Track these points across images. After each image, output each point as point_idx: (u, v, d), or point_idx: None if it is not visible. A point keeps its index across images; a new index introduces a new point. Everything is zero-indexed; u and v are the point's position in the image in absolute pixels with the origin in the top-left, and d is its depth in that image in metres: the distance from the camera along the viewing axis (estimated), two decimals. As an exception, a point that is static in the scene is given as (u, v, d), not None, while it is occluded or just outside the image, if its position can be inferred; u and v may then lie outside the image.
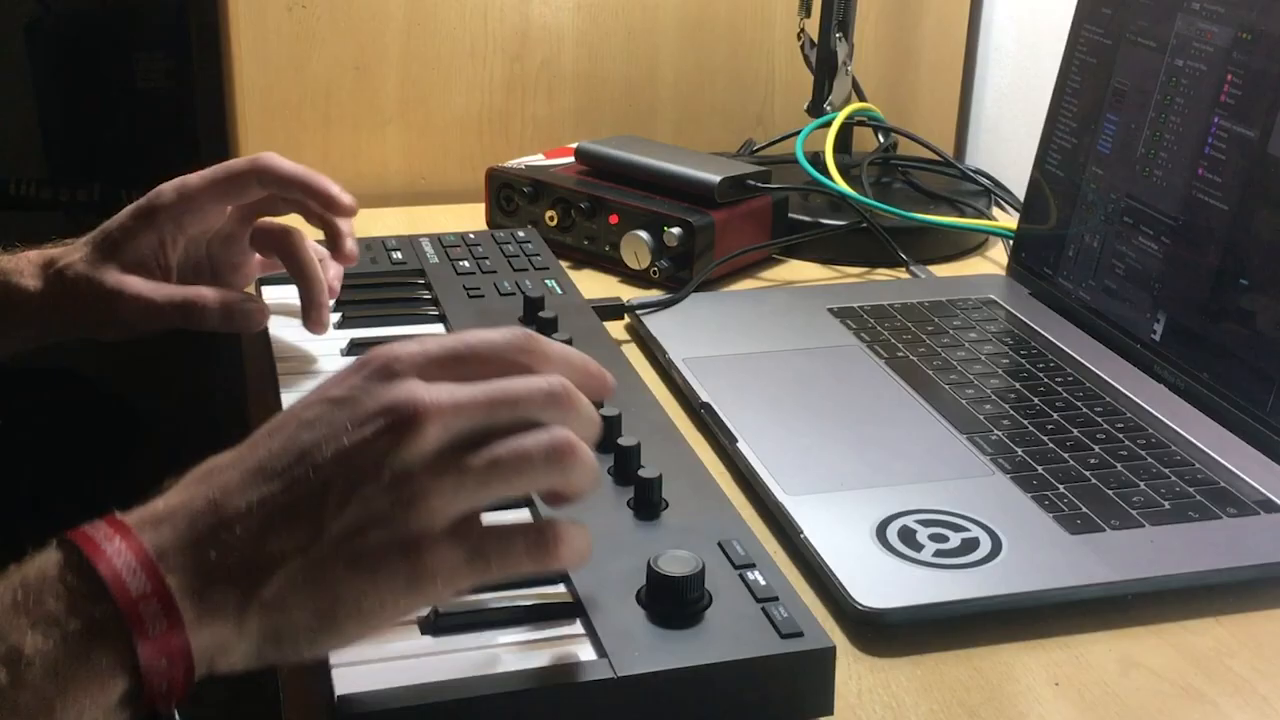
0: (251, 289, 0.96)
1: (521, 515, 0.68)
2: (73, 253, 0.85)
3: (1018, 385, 0.91)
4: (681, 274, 1.08)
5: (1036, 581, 0.69)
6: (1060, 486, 0.78)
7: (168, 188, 0.85)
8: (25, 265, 0.86)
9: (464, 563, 0.53)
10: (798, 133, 1.23)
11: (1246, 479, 0.79)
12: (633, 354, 0.97)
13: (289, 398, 0.83)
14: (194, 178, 0.85)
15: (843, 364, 0.94)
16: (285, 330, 0.91)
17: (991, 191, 1.29)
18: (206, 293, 0.85)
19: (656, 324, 0.99)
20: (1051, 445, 0.83)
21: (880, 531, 0.73)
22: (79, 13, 1.92)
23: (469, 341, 0.56)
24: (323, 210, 0.87)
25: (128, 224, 0.85)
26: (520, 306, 0.92)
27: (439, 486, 0.52)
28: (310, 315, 0.87)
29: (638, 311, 1.01)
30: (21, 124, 1.96)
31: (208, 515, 0.51)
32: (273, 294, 0.96)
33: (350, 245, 0.88)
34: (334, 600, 0.51)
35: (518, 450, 0.54)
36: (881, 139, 1.33)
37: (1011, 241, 1.13)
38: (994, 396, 0.89)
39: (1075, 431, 0.84)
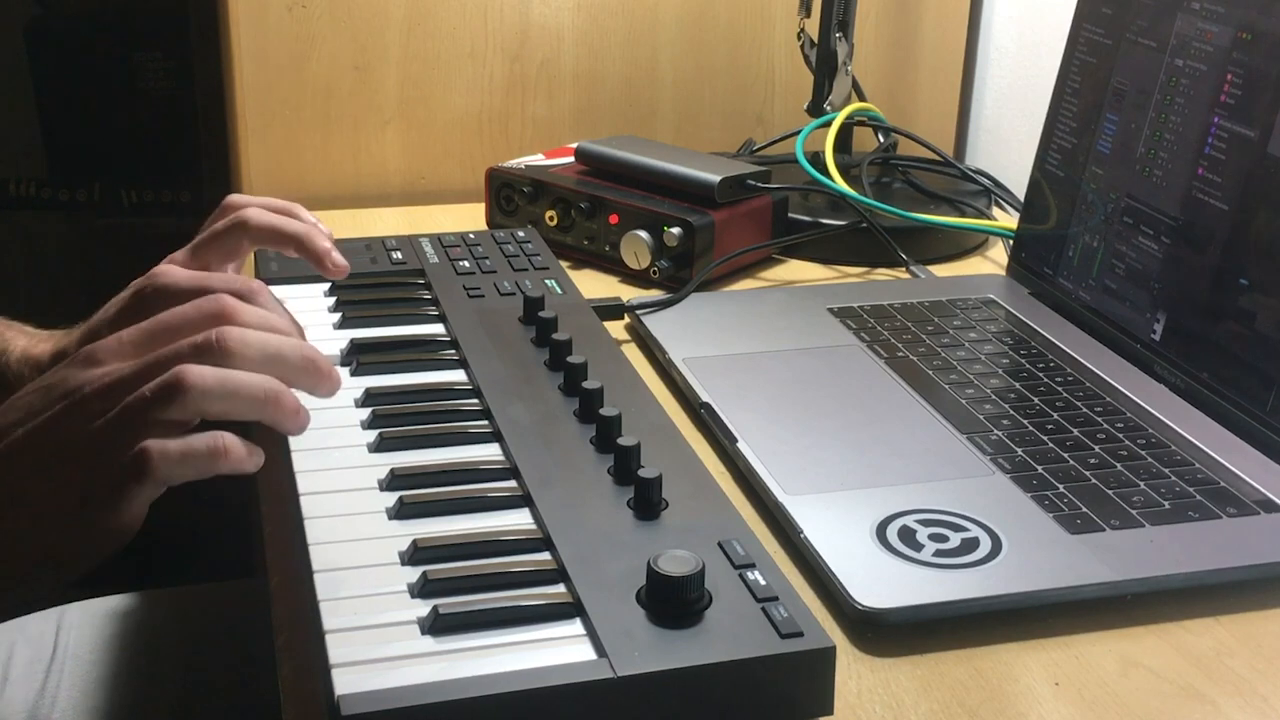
0: None
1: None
2: (69, 350, 0.83)
3: (1018, 385, 0.91)
4: (681, 274, 1.08)
5: (1036, 581, 0.69)
6: (1060, 486, 0.78)
7: (154, 282, 0.77)
8: (26, 366, 0.86)
9: (164, 465, 0.60)
10: (798, 133, 1.23)
11: (1246, 479, 0.79)
12: (633, 354, 0.97)
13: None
14: (181, 273, 0.76)
15: (843, 364, 0.94)
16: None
17: (991, 191, 1.29)
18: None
19: (656, 324, 0.99)
20: (1051, 445, 0.83)
21: (880, 531, 0.73)
22: (79, 13, 1.92)
23: (162, 320, 0.65)
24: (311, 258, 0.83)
25: (116, 322, 0.79)
26: (520, 306, 0.92)
27: (131, 410, 0.61)
28: (322, 262, 0.83)
29: (638, 311, 1.01)
30: (21, 124, 1.96)
31: None
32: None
33: (338, 259, 0.84)
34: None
35: (164, 355, 0.63)
36: (881, 139, 1.33)
37: (1011, 241, 1.13)
38: (994, 396, 0.89)
39: (1075, 431, 0.84)
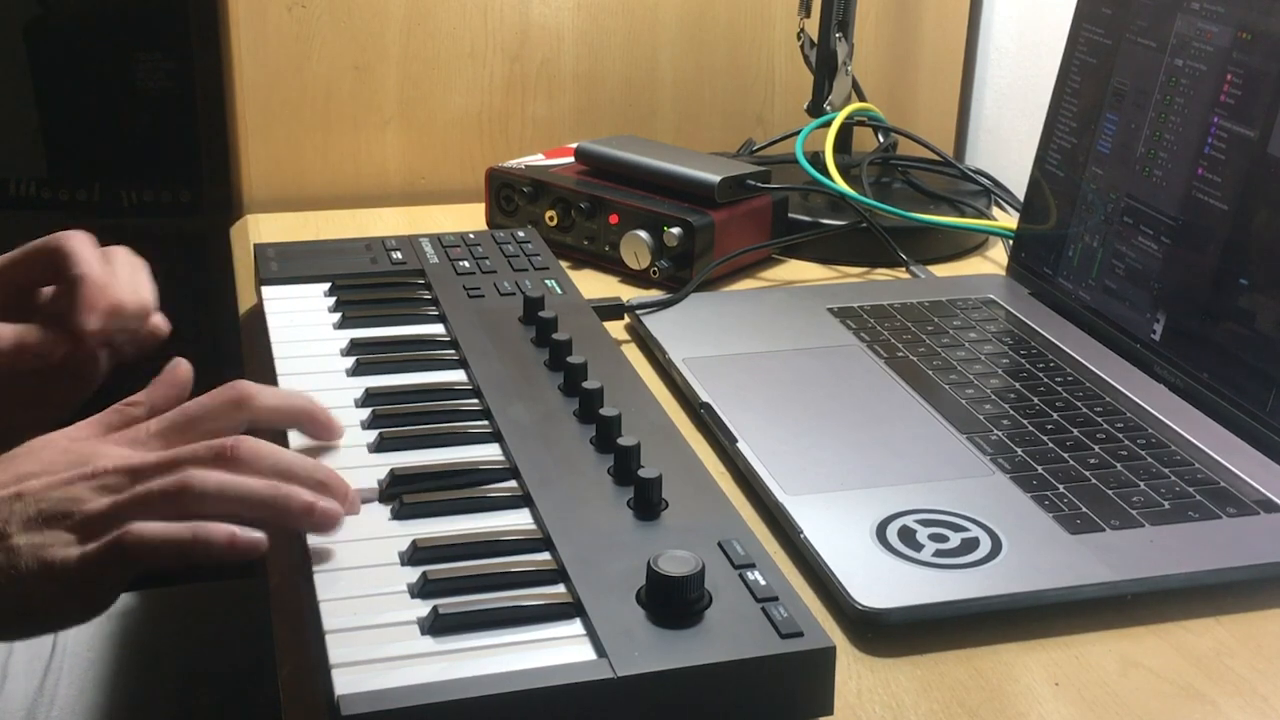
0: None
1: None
2: None
3: (1018, 385, 0.91)
4: (681, 274, 1.08)
5: (1036, 581, 0.69)
6: (1060, 486, 0.78)
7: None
8: None
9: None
10: (798, 133, 1.23)
11: (1246, 479, 0.79)
12: (633, 354, 0.97)
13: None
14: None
15: (843, 364, 0.94)
16: (285, 331, 0.91)
17: (991, 191, 1.29)
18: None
19: (656, 324, 0.99)
20: (1051, 445, 0.83)
21: (880, 531, 0.73)
22: (79, 13, 1.92)
23: (185, 409, 0.69)
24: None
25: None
26: (520, 306, 0.92)
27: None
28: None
29: (638, 311, 1.01)
30: (21, 124, 1.96)
31: None
32: (272, 293, 0.97)
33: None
34: None
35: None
36: (881, 139, 1.33)
37: (1011, 241, 1.13)
38: (994, 396, 0.89)
39: (1075, 431, 0.84)
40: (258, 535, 0.63)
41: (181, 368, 0.74)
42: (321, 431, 0.75)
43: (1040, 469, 0.80)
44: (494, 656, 0.58)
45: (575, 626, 0.60)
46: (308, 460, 0.68)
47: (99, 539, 0.62)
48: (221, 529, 0.62)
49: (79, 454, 0.66)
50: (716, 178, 1.11)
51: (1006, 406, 0.88)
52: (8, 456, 0.67)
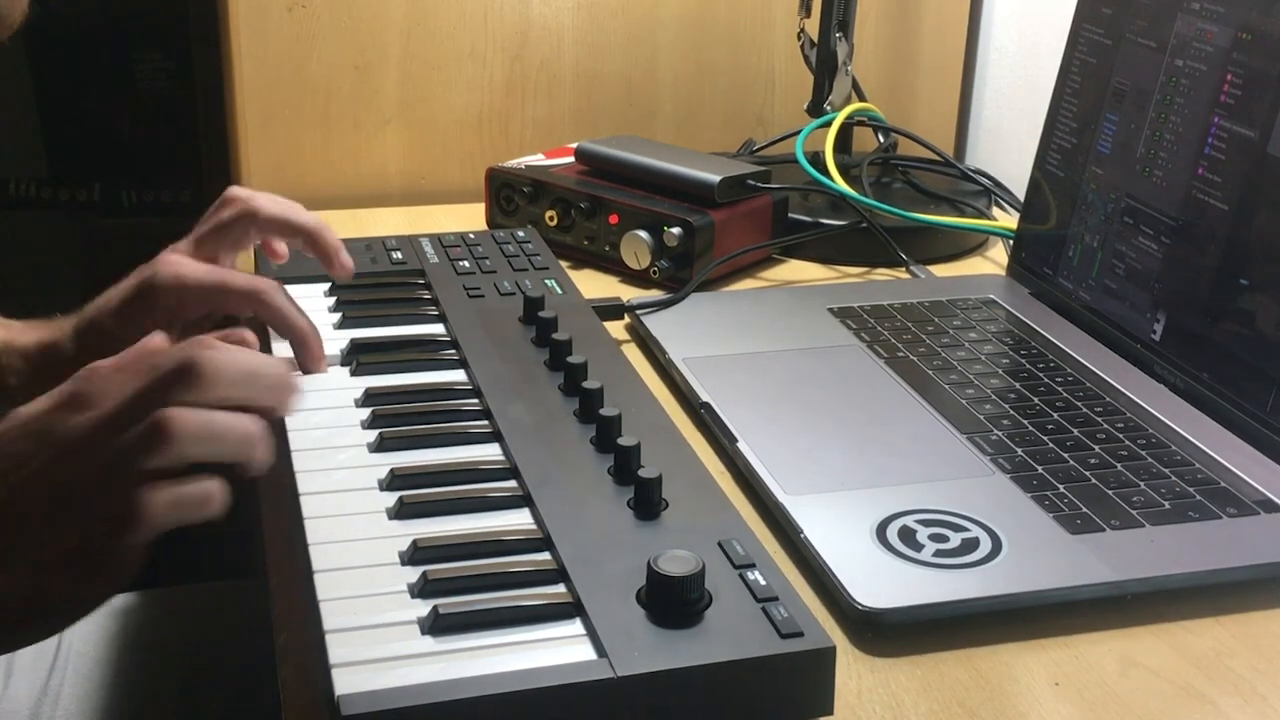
0: None
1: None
2: (62, 341, 0.83)
3: (1018, 385, 0.91)
4: (681, 274, 1.08)
5: (1036, 581, 0.69)
6: (1060, 486, 0.78)
7: (165, 271, 0.77)
8: (11, 356, 0.84)
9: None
10: (798, 133, 1.23)
11: (1246, 479, 0.79)
12: (633, 354, 0.97)
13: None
14: (193, 273, 0.76)
15: (843, 364, 0.94)
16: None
17: (991, 191, 1.29)
18: None
19: (656, 324, 0.99)
20: (1051, 445, 0.83)
21: (880, 531, 0.73)
22: (79, 13, 1.92)
23: (142, 349, 0.64)
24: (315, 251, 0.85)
25: (121, 311, 0.80)
26: (520, 306, 0.92)
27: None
28: (331, 259, 0.85)
29: (638, 311, 1.01)
30: (21, 124, 1.96)
31: None
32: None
33: (346, 259, 0.86)
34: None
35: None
36: (881, 139, 1.33)
37: (1011, 241, 1.13)
38: (994, 396, 0.89)
39: (1075, 431, 0.84)
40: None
41: (249, 338, 0.70)
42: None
43: (1040, 469, 0.80)
44: (494, 656, 0.58)
45: (575, 626, 0.60)
46: (269, 360, 0.66)
47: (106, 519, 0.59)
48: (221, 487, 0.61)
49: (43, 434, 0.62)
50: (716, 178, 1.11)
51: (1006, 406, 0.88)
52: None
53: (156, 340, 0.65)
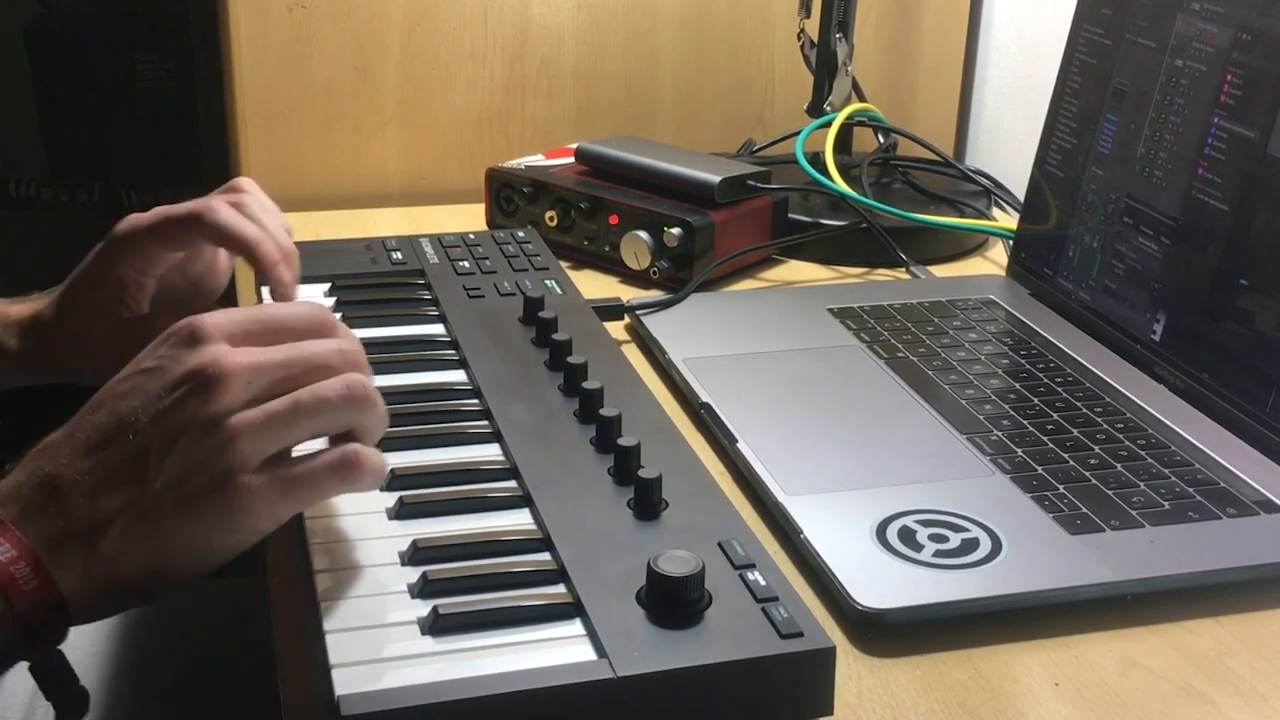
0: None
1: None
2: (46, 307, 0.85)
3: (1018, 385, 0.91)
4: (681, 274, 1.08)
5: (1036, 581, 0.69)
6: (1060, 486, 0.78)
7: (121, 226, 0.81)
8: (8, 331, 0.86)
9: (278, 493, 0.59)
10: (798, 133, 1.23)
11: (1246, 479, 0.79)
12: (633, 354, 0.97)
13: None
14: (143, 218, 0.80)
15: (843, 364, 0.94)
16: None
17: (991, 191, 1.29)
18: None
19: (656, 324, 0.99)
20: (1051, 445, 0.83)
21: (880, 531, 0.73)
22: (79, 13, 1.92)
23: (270, 312, 0.64)
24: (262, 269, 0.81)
25: (89, 270, 0.83)
26: (520, 307, 0.92)
27: (247, 429, 0.59)
28: (267, 274, 0.80)
29: (638, 312, 1.01)
30: (21, 124, 1.96)
31: (47, 487, 0.59)
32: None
33: (282, 273, 0.80)
34: (166, 544, 0.59)
35: (316, 393, 0.61)
36: (881, 139, 1.33)
37: (1011, 241, 1.13)
38: (994, 397, 0.89)
39: (1075, 431, 0.84)
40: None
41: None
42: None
43: (1040, 469, 0.80)
44: (494, 656, 0.58)
45: (575, 626, 0.60)
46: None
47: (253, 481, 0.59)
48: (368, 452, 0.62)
49: (159, 366, 0.61)
50: (716, 178, 1.11)
51: (1006, 407, 0.88)
52: (89, 406, 0.62)
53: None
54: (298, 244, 1.09)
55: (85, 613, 0.59)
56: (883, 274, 1.16)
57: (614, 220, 1.11)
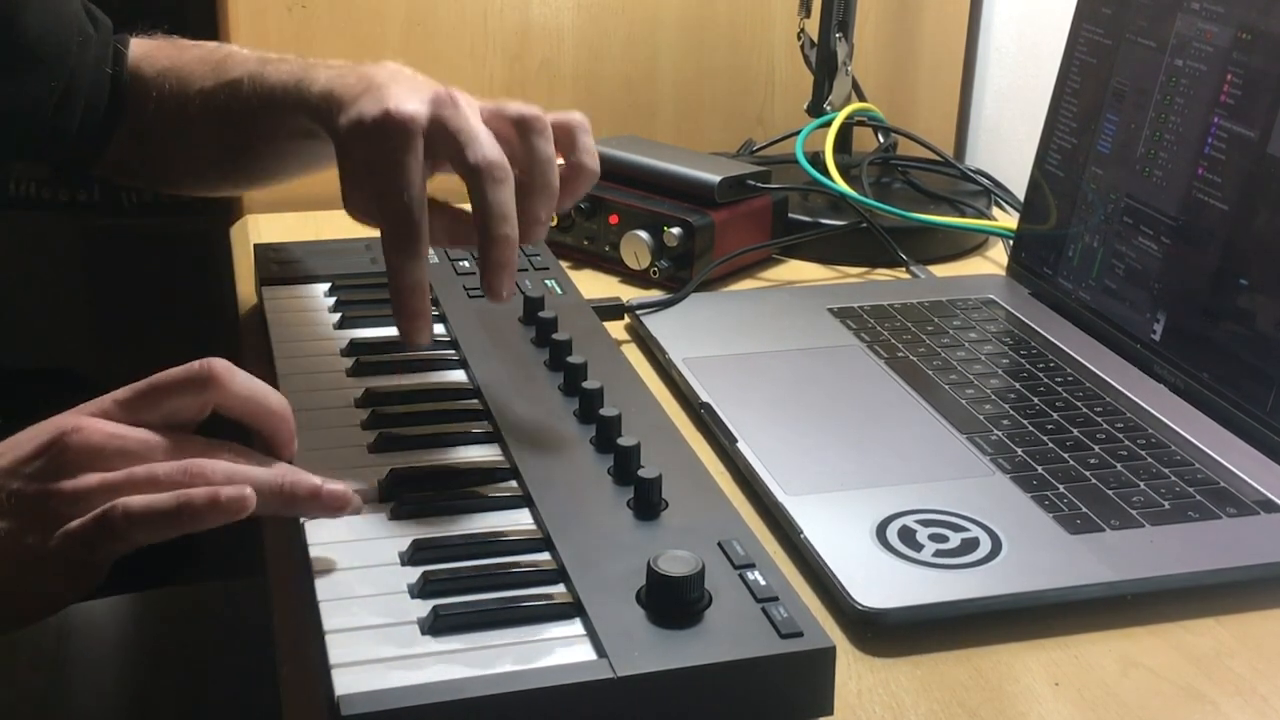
0: None
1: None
2: None
3: (1018, 385, 0.91)
4: (681, 274, 1.08)
5: (1036, 581, 0.69)
6: (1060, 486, 0.78)
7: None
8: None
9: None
10: (798, 133, 1.23)
11: (1246, 479, 0.79)
12: (633, 354, 0.97)
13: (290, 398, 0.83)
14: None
15: (843, 364, 0.94)
16: (285, 331, 0.91)
17: (991, 191, 1.29)
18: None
19: (656, 324, 0.99)
20: (1051, 445, 0.83)
21: (880, 531, 0.73)
22: (79, 13, 1.92)
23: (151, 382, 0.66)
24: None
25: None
26: (520, 307, 0.92)
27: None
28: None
29: (638, 312, 1.01)
30: (21, 124, 1.95)
31: None
32: (273, 294, 0.96)
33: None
34: None
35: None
36: (881, 139, 1.33)
37: (1011, 241, 1.13)
38: (994, 396, 0.89)
39: (1075, 431, 0.84)
40: (245, 492, 0.62)
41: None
42: (278, 443, 0.69)
43: (1040, 469, 0.80)
44: (494, 656, 0.58)
45: (575, 626, 0.60)
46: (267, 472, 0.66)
47: (82, 517, 0.61)
48: (202, 491, 0.61)
49: (53, 424, 0.64)
50: (716, 178, 1.11)
51: (1006, 406, 0.88)
52: None
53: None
54: (298, 244, 1.09)
55: None
56: (883, 274, 1.16)
57: (614, 220, 1.11)
